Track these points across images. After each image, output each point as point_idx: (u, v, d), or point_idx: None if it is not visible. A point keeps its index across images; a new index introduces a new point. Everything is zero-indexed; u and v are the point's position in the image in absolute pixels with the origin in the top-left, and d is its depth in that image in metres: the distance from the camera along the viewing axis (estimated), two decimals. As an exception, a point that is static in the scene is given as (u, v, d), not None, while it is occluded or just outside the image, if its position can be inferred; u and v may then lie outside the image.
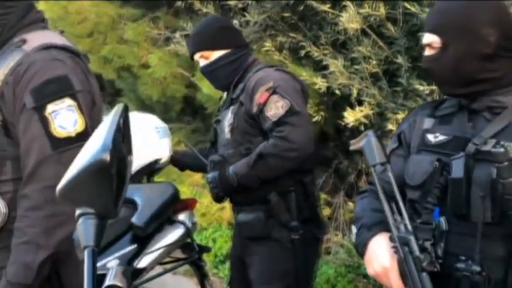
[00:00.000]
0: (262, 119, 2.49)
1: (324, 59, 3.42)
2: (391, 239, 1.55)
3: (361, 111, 3.21)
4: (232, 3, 3.91)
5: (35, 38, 1.79)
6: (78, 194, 1.08)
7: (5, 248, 1.74)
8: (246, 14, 3.81)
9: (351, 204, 4.21)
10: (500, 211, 1.44)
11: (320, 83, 3.37)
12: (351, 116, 3.19)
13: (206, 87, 4.13)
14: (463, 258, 1.50)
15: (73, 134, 1.71)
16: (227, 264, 4.23)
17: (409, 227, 1.53)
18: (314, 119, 3.59)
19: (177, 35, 4.61)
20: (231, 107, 2.63)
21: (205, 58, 2.67)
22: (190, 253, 3.21)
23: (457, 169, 1.50)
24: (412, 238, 1.50)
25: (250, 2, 3.82)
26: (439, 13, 1.65)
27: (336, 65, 3.30)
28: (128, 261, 2.83)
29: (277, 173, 2.50)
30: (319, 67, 3.53)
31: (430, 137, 1.65)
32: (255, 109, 2.50)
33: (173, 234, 3.02)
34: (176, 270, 3.69)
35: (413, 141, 1.70)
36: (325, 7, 3.35)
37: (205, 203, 4.93)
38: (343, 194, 4.37)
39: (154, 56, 4.94)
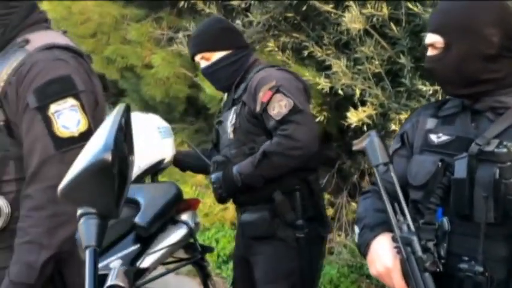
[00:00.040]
0: (265, 118, 2.49)
1: (326, 59, 3.42)
2: (394, 239, 1.55)
3: (364, 111, 3.21)
4: (235, 3, 3.91)
5: (38, 38, 1.79)
6: (79, 194, 1.07)
7: (7, 248, 1.74)
8: (249, 14, 3.81)
9: (353, 204, 4.20)
10: (503, 211, 1.44)
11: (323, 83, 3.37)
12: (353, 116, 3.19)
13: (209, 88, 4.12)
14: (465, 258, 1.50)
15: (76, 134, 1.71)
16: (230, 265, 4.22)
17: (412, 227, 1.52)
18: (317, 119, 3.58)
19: (180, 35, 4.62)
20: (233, 108, 2.63)
21: (206, 59, 2.67)
22: (193, 253, 3.21)
23: (460, 169, 1.50)
24: (414, 238, 1.50)
25: (253, 2, 3.81)
26: (441, 13, 1.65)
27: (338, 65, 3.30)
28: (131, 261, 2.83)
29: (281, 171, 2.49)
30: (322, 67, 3.53)
31: (433, 137, 1.64)
32: (258, 108, 2.50)
33: (176, 235, 3.02)
34: (179, 270, 3.69)
35: (416, 142, 1.69)
36: (328, 7, 3.35)
37: (208, 203, 4.93)
38: (346, 194, 4.36)
39: (157, 56, 4.94)
